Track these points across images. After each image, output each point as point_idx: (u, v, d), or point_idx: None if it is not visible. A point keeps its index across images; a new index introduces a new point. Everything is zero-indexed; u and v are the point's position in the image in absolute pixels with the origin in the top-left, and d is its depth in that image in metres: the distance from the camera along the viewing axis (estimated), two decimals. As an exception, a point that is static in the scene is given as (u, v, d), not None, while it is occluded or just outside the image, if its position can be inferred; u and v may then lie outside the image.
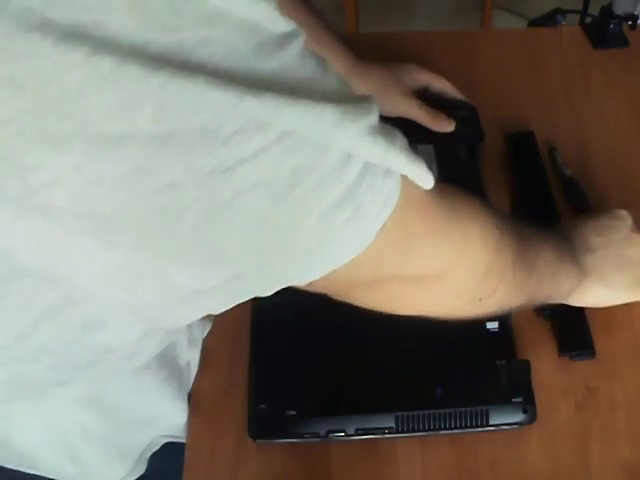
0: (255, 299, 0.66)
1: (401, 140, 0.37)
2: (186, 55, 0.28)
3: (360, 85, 0.78)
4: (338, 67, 0.77)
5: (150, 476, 0.87)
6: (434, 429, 0.62)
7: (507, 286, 0.52)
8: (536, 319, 0.70)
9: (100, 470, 0.65)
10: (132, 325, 0.47)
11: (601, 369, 0.67)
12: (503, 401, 0.62)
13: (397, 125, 0.37)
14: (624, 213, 0.67)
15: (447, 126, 0.80)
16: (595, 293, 0.65)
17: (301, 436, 0.62)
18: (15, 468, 0.60)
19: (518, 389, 0.62)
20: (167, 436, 0.68)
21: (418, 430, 0.62)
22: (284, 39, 0.31)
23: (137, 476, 0.67)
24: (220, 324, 0.71)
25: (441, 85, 0.83)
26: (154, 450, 0.68)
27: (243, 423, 0.63)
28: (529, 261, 0.54)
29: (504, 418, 0.62)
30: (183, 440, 0.68)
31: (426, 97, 0.83)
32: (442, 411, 0.62)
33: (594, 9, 0.99)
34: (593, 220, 0.67)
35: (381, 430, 0.62)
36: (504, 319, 0.67)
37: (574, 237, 0.64)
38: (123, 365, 0.54)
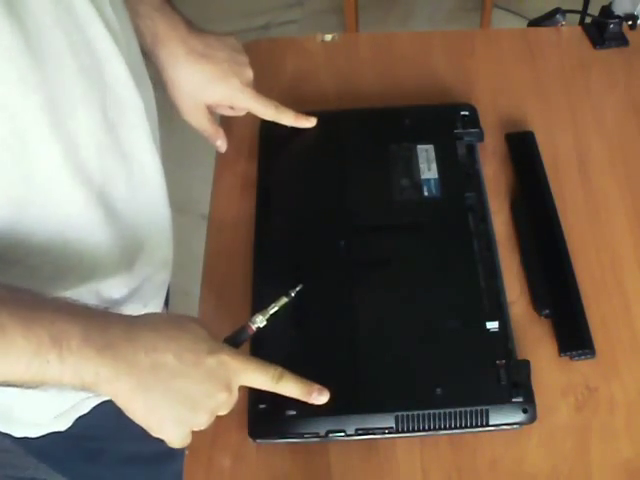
0: (254, 301, 0.67)
1: None
2: None
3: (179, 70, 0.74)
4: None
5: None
6: (434, 429, 0.62)
7: None
8: (536, 319, 0.70)
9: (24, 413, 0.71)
10: None
11: (601, 369, 0.67)
12: (503, 401, 0.62)
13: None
14: (234, 367, 0.57)
15: (304, 122, 0.80)
16: (127, 405, 0.54)
17: (301, 436, 0.62)
18: None
19: (518, 389, 0.62)
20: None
21: (418, 430, 0.62)
22: None
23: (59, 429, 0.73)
24: (219, 325, 0.71)
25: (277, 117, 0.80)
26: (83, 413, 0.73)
27: (243, 423, 0.63)
28: None
29: (504, 418, 0.62)
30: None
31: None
32: (442, 411, 0.62)
33: (594, 9, 0.99)
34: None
35: (381, 430, 0.62)
36: (504, 319, 0.67)
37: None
38: None
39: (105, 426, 0.75)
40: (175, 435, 0.56)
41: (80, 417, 0.73)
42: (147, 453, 0.83)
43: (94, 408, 0.73)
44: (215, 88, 0.77)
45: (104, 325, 0.53)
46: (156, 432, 0.55)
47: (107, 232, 0.63)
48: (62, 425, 0.73)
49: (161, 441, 0.56)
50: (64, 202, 0.58)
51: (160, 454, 0.82)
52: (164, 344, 0.54)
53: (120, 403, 0.54)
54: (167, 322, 0.57)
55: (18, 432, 0.74)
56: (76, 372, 0.50)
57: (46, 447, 0.76)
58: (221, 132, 0.82)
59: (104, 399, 0.73)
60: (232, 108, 0.82)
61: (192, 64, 0.74)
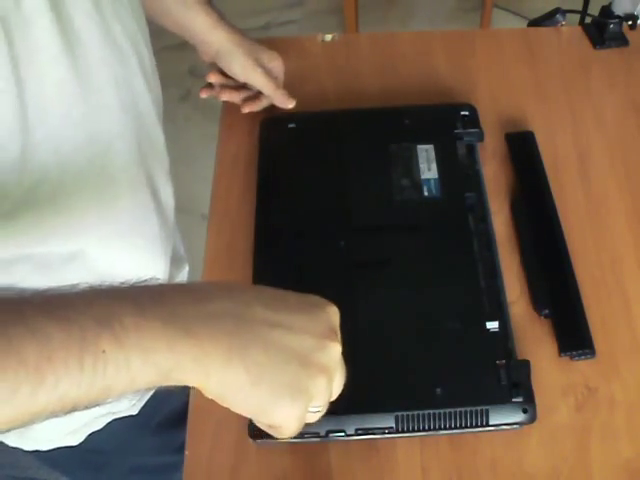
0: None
1: None
2: None
3: (217, 37, 0.80)
4: (199, 21, 0.79)
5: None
6: (434, 429, 0.62)
7: None
8: (536, 319, 0.70)
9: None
10: None
11: (601, 369, 0.67)
12: (503, 401, 0.62)
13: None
14: (333, 309, 0.48)
15: (286, 102, 0.83)
16: (225, 380, 0.41)
17: (301, 436, 0.62)
18: None
19: (518, 389, 0.62)
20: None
21: (418, 430, 0.62)
22: None
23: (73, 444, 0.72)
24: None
25: (273, 96, 0.84)
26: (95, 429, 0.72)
27: (243, 423, 0.63)
28: None
29: (504, 418, 0.62)
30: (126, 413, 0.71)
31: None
32: (442, 411, 0.62)
33: (594, 9, 0.99)
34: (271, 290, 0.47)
35: (381, 430, 0.62)
36: (504, 319, 0.67)
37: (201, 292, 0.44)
38: None
39: (113, 441, 0.75)
40: (292, 411, 0.44)
41: (92, 433, 0.73)
42: (152, 465, 0.84)
43: (107, 425, 0.73)
44: (271, 52, 0.84)
45: (156, 295, 0.42)
46: (270, 410, 0.43)
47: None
48: (75, 440, 0.73)
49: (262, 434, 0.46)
50: (93, 238, 0.59)
51: (164, 466, 0.82)
52: (242, 296, 0.44)
53: (214, 383, 0.41)
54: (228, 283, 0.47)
55: (29, 446, 0.74)
56: (146, 357, 0.38)
57: (55, 458, 0.76)
58: (282, 90, 0.84)
59: (118, 416, 0.73)
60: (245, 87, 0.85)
61: (241, 33, 0.82)
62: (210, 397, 0.43)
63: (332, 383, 0.46)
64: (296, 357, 0.43)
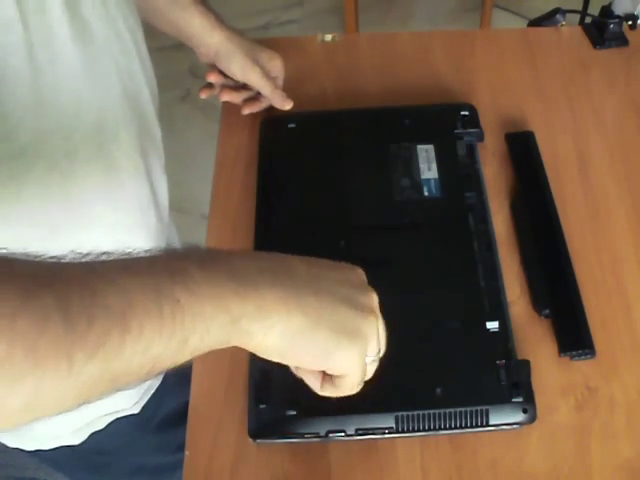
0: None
1: None
2: None
3: (216, 39, 0.79)
4: (196, 23, 0.77)
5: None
6: (434, 429, 0.62)
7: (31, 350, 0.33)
8: (536, 319, 0.70)
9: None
10: None
11: (601, 369, 0.67)
12: (503, 401, 0.62)
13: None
14: (359, 269, 0.51)
15: (284, 103, 0.83)
16: (286, 327, 0.44)
17: (301, 436, 0.62)
18: None
19: (518, 389, 0.62)
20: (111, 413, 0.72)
21: (418, 430, 0.62)
22: None
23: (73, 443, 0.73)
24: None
25: (271, 96, 0.83)
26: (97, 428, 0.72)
27: (243, 423, 0.63)
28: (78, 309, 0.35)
29: (504, 418, 0.62)
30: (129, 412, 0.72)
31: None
32: (442, 411, 0.62)
33: (594, 9, 1.00)
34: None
35: (381, 430, 0.62)
36: (504, 319, 0.67)
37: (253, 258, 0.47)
38: None
39: (115, 441, 0.76)
40: (352, 351, 0.46)
41: (94, 432, 0.74)
42: (152, 465, 0.84)
43: (108, 424, 0.74)
44: (272, 52, 0.83)
45: (210, 254, 0.45)
46: (332, 351, 0.45)
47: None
48: (77, 439, 0.73)
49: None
50: (97, 224, 0.59)
51: (164, 466, 0.83)
52: (279, 256, 0.47)
53: (276, 333, 0.43)
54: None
55: (30, 446, 0.74)
56: (217, 303, 0.40)
57: (56, 458, 0.76)
58: (280, 90, 0.84)
59: (120, 415, 0.74)
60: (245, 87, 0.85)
61: (240, 34, 0.82)
62: (267, 355, 0.45)
63: (380, 325, 0.49)
64: (344, 300, 0.47)
